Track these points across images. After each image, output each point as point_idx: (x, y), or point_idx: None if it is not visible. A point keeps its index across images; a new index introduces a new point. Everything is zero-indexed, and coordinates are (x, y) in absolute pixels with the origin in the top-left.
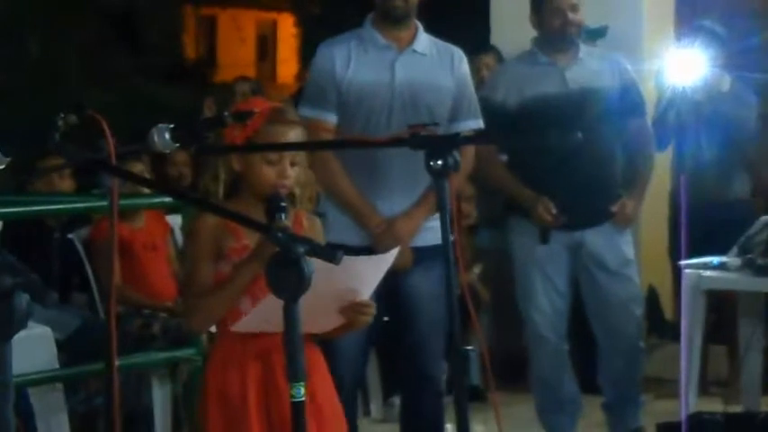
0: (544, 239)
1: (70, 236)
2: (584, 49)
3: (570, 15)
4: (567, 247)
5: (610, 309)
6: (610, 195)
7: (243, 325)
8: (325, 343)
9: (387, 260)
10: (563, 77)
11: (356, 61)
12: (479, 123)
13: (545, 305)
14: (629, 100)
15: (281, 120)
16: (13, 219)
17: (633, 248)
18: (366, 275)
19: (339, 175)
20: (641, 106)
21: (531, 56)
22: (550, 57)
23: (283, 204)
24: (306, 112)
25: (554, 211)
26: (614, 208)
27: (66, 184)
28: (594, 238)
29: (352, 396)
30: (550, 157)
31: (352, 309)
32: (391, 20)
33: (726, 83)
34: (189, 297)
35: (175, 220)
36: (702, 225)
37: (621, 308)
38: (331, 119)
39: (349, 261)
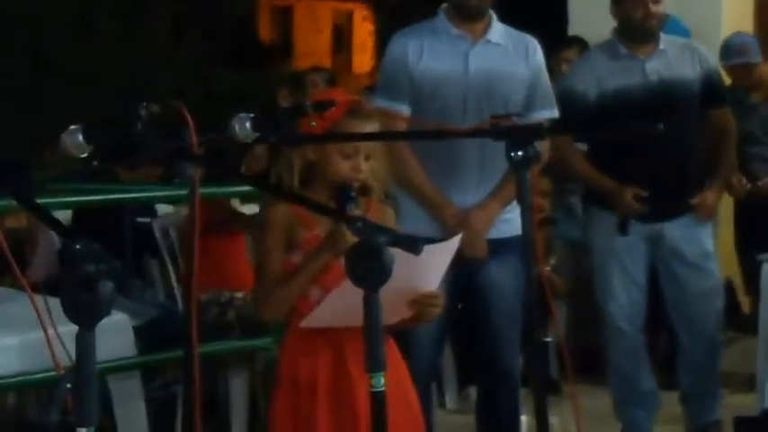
0: (623, 231)
1: (140, 220)
2: (664, 40)
3: (652, 7)
4: (646, 239)
5: (690, 301)
6: (690, 187)
7: (310, 321)
8: (400, 334)
9: (451, 247)
10: (643, 69)
11: (429, 52)
12: (554, 113)
13: (623, 297)
14: (711, 90)
15: (359, 113)
16: (94, 207)
17: (713, 240)
18: (432, 264)
19: (413, 166)
20: (722, 96)
21: (611, 47)
22: (630, 48)
23: (353, 194)
24: (379, 102)
25: (644, 196)
26: (695, 200)
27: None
28: (674, 230)
29: (426, 387)
30: (631, 148)
31: (420, 301)
32: (465, 16)
33: None
34: (261, 286)
35: (253, 210)
36: None
37: (701, 300)
38: (404, 109)
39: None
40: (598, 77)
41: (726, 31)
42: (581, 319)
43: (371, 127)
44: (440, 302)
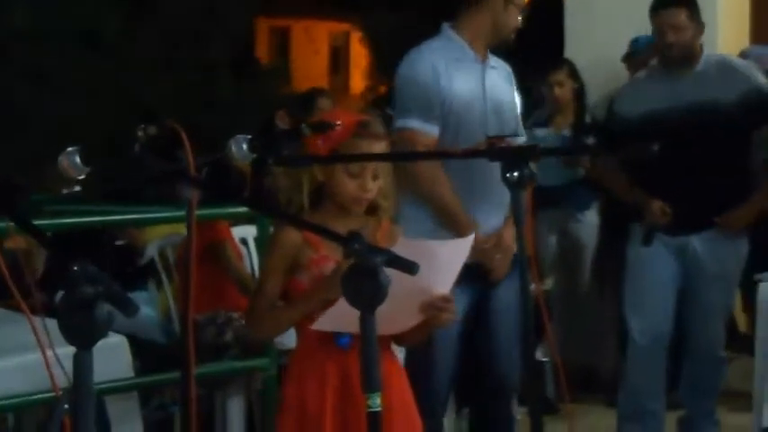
0: (647, 241)
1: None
2: (706, 61)
3: (670, 37)
4: (677, 253)
5: (702, 315)
6: (721, 204)
7: (321, 323)
8: (414, 368)
9: (465, 246)
10: (676, 92)
11: (455, 73)
12: (524, 138)
13: (648, 311)
14: (752, 109)
15: (367, 134)
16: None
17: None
18: (445, 262)
19: (446, 189)
20: (765, 114)
21: (654, 69)
22: (667, 70)
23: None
24: (413, 123)
25: (668, 211)
26: (720, 217)
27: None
28: (702, 245)
29: (438, 419)
30: (662, 165)
31: (432, 304)
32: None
33: None
34: (255, 306)
35: (249, 231)
36: None
37: (714, 315)
38: (437, 132)
39: (426, 246)
40: (638, 98)
41: (722, 39)
42: (575, 338)
43: (380, 146)
44: (452, 308)
